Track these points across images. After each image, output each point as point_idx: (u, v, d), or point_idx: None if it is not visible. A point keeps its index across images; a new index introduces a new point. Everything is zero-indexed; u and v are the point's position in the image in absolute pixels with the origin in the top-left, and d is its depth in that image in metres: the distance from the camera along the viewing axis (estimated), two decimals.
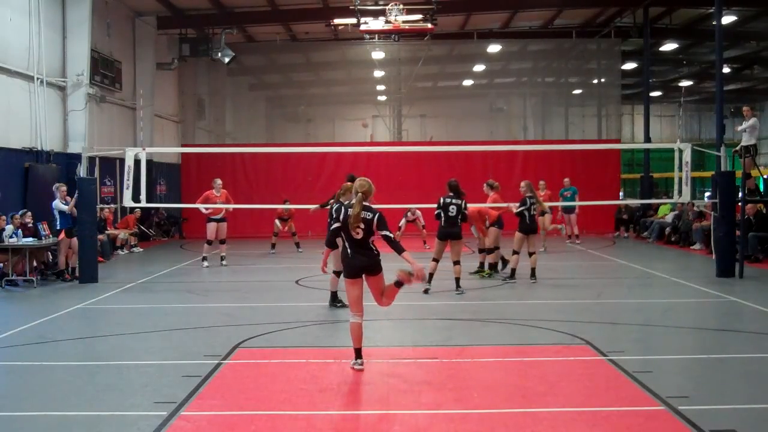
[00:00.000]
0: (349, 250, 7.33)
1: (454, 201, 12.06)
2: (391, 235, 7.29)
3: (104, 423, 5.90)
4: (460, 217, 12.07)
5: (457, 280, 12.17)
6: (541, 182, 18.83)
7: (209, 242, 16.34)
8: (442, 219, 12.10)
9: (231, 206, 16.60)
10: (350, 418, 6.05)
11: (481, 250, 14.54)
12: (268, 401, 6.46)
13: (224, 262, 16.51)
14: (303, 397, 6.54)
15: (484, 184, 14.64)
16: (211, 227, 16.25)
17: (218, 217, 16.33)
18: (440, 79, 34.12)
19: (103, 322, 10.33)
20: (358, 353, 7.43)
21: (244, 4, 24.25)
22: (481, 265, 14.45)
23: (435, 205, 12.34)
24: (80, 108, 18.53)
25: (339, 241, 10.86)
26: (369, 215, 7.25)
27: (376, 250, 7.38)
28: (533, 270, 13.34)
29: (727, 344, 8.88)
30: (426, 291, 12.05)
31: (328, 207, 11.63)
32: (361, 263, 7.32)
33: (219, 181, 16.35)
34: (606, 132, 28.80)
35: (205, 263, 16.32)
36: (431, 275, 12.10)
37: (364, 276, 7.38)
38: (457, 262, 12.19)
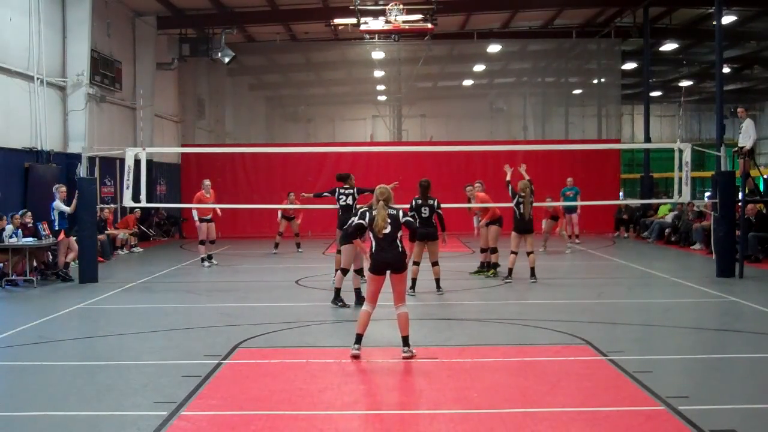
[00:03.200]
0: (374, 246, 7.79)
1: (427, 202, 12.05)
2: (412, 220, 8.01)
3: (104, 423, 5.90)
4: (434, 216, 12.05)
5: (437, 281, 12.13)
6: (548, 198, 18.78)
7: (203, 242, 16.46)
8: (417, 221, 11.95)
9: (221, 206, 16.95)
10: (350, 418, 6.04)
11: (482, 250, 14.55)
12: (268, 401, 6.46)
13: (215, 261, 16.65)
14: (303, 397, 6.54)
15: (476, 183, 14.87)
16: (203, 227, 16.40)
17: (208, 217, 16.51)
18: (440, 79, 34.13)
19: (103, 322, 10.32)
20: (359, 338, 7.77)
21: (244, 4, 24.26)
22: (482, 264, 14.48)
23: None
24: (80, 108, 18.53)
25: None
26: (394, 212, 7.88)
27: (402, 248, 7.84)
28: (532, 270, 13.32)
29: (727, 344, 8.88)
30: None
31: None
32: (385, 259, 7.74)
33: (208, 182, 16.58)
34: (606, 132, 28.79)
35: (206, 263, 16.35)
36: (414, 280, 11.95)
37: (388, 273, 7.76)
38: (435, 263, 12.08)
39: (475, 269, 14.58)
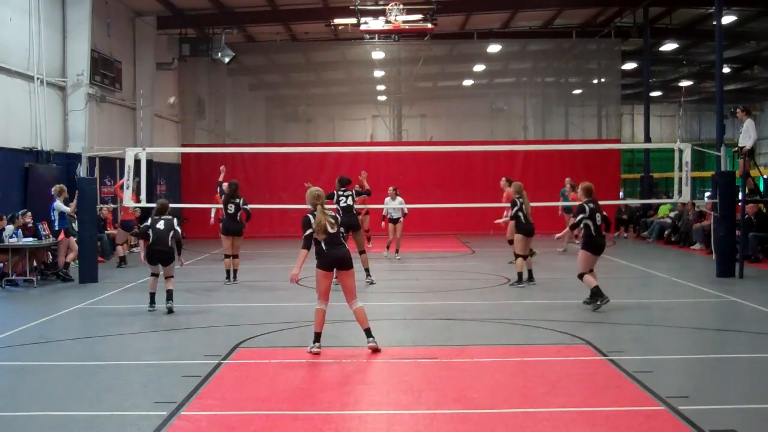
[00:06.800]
0: (324, 246, 8.00)
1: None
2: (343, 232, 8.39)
3: (104, 423, 5.90)
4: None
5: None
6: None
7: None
8: (340, 212, 12.64)
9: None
10: (350, 418, 6.04)
11: (510, 242, 15.14)
12: (268, 401, 6.46)
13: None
14: (303, 397, 6.54)
15: (502, 179, 15.52)
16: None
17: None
18: (440, 79, 34.11)
19: (103, 322, 10.32)
20: (317, 337, 7.99)
21: (244, 4, 24.25)
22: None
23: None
24: (80, 108, 18.52)
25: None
26: (331, 213, 8.23)
27: (347, 245, 8.20)
28: (530, 272, 13.23)
29: (727, 344, 8.88)
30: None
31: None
32: (335, 255, 8.01)
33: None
34: (606, 132, 28.79)
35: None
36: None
37: (336, 271, 8.05)
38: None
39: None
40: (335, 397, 6.56)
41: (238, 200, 13.73)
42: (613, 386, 6.80)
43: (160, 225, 10.67)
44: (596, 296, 10.40)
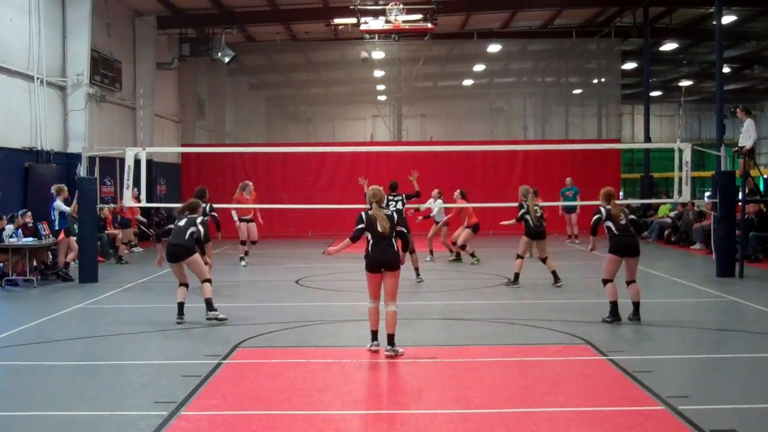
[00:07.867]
0: (371, 246, 7.93)
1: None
2: (405, 232, 8.19)
3: (104, 423, 5.90)
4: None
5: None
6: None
7: (243, 242, 16.50)
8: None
9: (258, 206, 16.96)
10: (350, 418, 6.04)
11: (453, 243, 16.42)
12: (268, 401, 6.46)
13: (244, 263, 16.50)
14: (303, 397, 6.54)
15: (456, 192, 16.25)
16: (242, 228, 16.40)
17: (248, 217, 16.48)
18: (440, 79, 34.12)
19: (103, 322, 10.31)
20: (374, 335, 7.98)
21: (244, 4, 24.26)
22: (457, 254, 16.47)
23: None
24: (80, 108, 18.52)
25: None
26: (388, 212, 8.11)
27: (397, 247, 8.06)
28: (555, 273, 12.94)
29: (727, 344, 8.88)
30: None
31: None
32: (381, 258, 7.90)
33: (251, 184, 16.53)
34: (606, 132, 28.79)
35: (243, 263, 16.33)
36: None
37: (383, 271, 7.92)
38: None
39: (452, 257, 16.65)
40: (335, 397, 6.56)
41: (204, 206, 13.25)
42: (613, 386, 6.80)
43: (181, 222, 10.11)
44: (611, 313, 9.58)
